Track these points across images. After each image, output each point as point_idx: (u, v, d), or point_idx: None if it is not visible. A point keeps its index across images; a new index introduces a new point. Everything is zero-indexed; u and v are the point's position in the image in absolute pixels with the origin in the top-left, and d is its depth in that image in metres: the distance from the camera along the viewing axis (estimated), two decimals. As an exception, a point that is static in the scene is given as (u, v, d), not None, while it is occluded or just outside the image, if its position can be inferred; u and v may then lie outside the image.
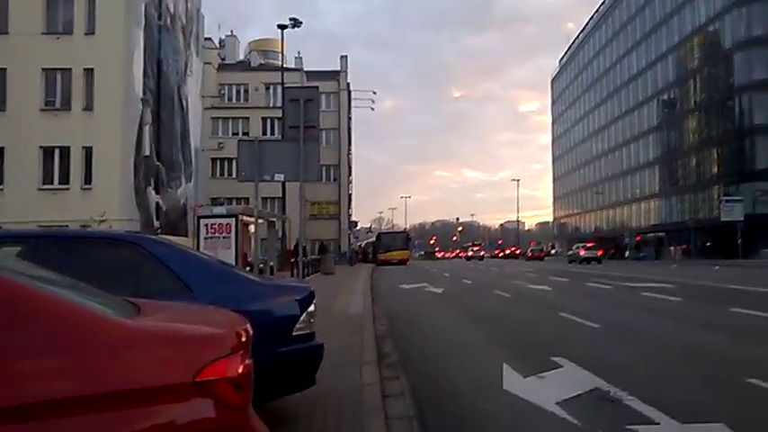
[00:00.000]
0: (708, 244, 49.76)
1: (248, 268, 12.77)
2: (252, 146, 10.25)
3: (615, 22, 74.21)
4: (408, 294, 17.66)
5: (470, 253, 78.72)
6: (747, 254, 42.10)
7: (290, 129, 10.42)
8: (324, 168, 49.31)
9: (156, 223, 28.28)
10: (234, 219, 19.59)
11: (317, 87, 10.52)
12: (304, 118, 10.26)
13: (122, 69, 25.45)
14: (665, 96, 62.48)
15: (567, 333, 9.29)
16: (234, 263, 20.24)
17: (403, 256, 51.44)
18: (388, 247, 52.37)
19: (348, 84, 52.40)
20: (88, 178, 25.58)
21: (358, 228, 62.24)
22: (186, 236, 26.03)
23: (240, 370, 2.01)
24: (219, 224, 19.71)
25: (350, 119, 54.91)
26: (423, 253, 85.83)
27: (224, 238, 19.65)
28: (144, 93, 27.24)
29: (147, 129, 27.88)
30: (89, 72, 25.37)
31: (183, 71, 33.50)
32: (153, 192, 28.69)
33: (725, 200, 45.01)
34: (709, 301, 13.81)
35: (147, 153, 27.97)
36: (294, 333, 4.25)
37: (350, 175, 54.88)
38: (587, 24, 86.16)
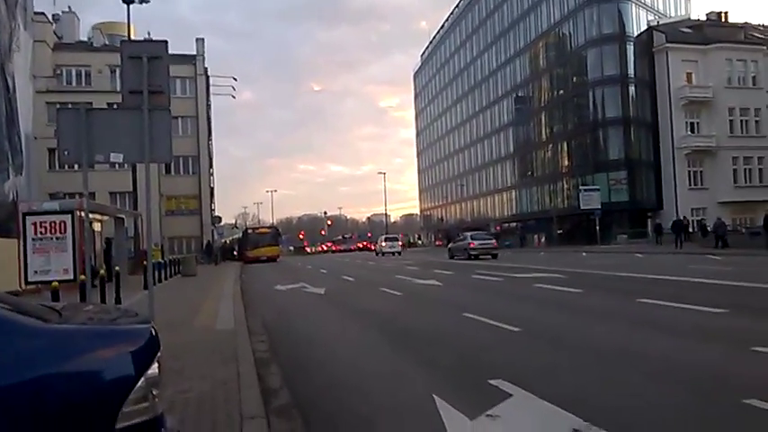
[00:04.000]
0: (559, 231, 51.88)
1: (82, 277, 10.05)
2: (77, 115, 7.67)
3: (474, 19, 75.99)
4: (286, 298, 15.46)
5: (324, 248, 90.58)
6: (604, 239, 44.38)
7: (129, 95, 7.91)
8: (181, 159, 45.48)
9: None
10: (69, 215, 16.33)
11: (165, 42, 8.08)
12: (149, 80, 7.83)
13: None
14: (520, 93, 64.85)
15: (487, 341, 7.73)
16: (72, 268, 16.98)
17: (273, 252, 48.96)
18: (257, 243, 49.57)
19: (206, 68, 48.56)
20: None
21: (222, 224, 58.35)
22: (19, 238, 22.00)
23: None
24: (51, 222, 16.35)
25: (209, 107, 51.02)
26: (292, 248, 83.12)
27: (57, 239, 16.34)
28: (-46, 67, 22.59)
29: (-41, 111, 23.21)
30: None
31: (8, 46, 28.50)
32: (-29, 186, 24.04)
33: (583, 189, 47.08)
34: (609, 291, 13.06)
35: (-38, 140, 23.32)
36: (120, 425, 2.15)
37: (210, 167, 51.05)
38: (446, 21, 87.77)
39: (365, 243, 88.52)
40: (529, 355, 6.80)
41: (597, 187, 46.92)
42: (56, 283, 9.10)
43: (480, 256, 34.08)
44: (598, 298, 11.88)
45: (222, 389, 5.35)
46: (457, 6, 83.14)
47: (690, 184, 49.82)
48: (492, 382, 5.48)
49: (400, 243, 52.66)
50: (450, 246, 41.19)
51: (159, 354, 2.39)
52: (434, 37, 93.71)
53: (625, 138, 50.30)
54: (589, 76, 51.90)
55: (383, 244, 51.78)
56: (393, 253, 48.34)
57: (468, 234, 38.43)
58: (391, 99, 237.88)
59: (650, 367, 5.97)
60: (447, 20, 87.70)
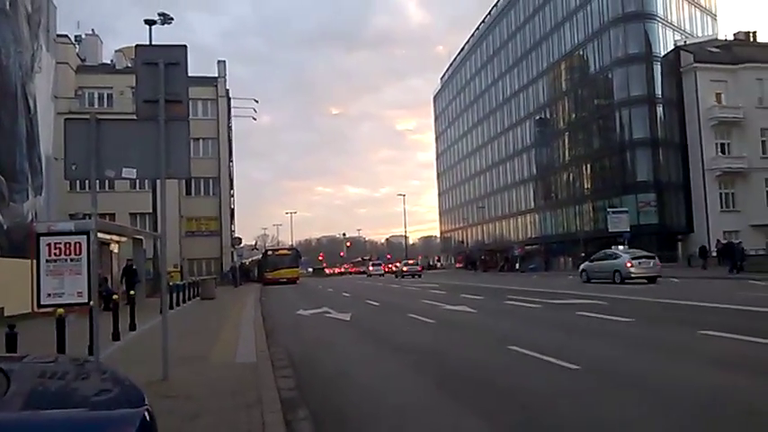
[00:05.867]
0: (583, 255, 50.09)
1: (91, 303, 9.22)
2: (86, 128, 6.93)
3: (495, 41, 75.32)
4: (310, 324, 14.52)
5: (342, 270, 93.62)
6: (634, 264, 42.81)
7: (144, 104, 7.16)
8: (202, 181, 45.19)
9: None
10: (85, 237, 15.62)
11: (184, 47, 7.33)
12: (166, 88, 7.08)
13: (-59, 55, 20.48)
14: (542, 115, 63.84)
15: (546, 384, 6.70)
16: (86, 291, 16.26)
17: (293, 274, 48.35)
18: (276, 265, 48.96)
19: (227, 90, 48.43)
20: None
21: (242, 245, 57.82)
22: (32, 259, 21.41)
23: None
24: (66, 243, 15.57)
25: (230, 129, 50.82)
26: (311, 270, 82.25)
27: (72, 261, 15.59)
28: (-27, 86, 22.25)
29: (-21, 130, 22.83)
30: None
31: (29, 66, 28.30)
32: (-11, 207, 23.60)
33: (611, 212, 45.64)
34: (661, 321, 11.98)
35: (-19, 160, 22.90)
36: None
37: (231, 188, 50.68)
38: (467, 43, 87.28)
39: (388, 266, 77.40)
40: (602, 404, 5.79)
41: (626, 209, 45.47)
42: (61, 310, 8.37)
43: (414, 276, 50.83)
44: (653, 329, 10.80)
45: (245, 445, 4.46)
46: (477, 28, 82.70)
47: (721, 207, 48.25)
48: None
49: (382, 266, 70.62)
50: (395, 270, 58.85)
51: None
52: (455, 59, 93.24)
53: (653, 159, 48.99)
54: (615, 97, 50.80)
55: (371, 268, 70.73)
56: (379, 275, 63.86)
57: (402, 262, 59.81)
58: (408, 122, 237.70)
59: (757, 421, 4.97)
60: (467, 42, 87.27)
